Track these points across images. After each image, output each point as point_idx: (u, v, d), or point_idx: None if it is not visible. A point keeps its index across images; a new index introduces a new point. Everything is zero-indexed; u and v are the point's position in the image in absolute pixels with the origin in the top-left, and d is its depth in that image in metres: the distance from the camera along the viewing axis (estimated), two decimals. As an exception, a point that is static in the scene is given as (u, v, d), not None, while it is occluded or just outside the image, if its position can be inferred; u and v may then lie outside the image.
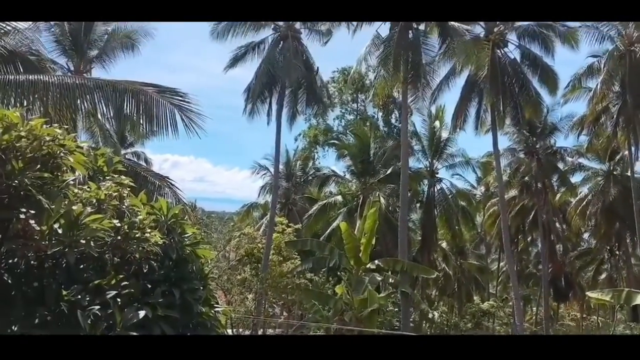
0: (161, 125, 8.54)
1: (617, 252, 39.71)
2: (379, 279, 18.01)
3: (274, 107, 25.57)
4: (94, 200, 4.56)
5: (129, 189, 5.04)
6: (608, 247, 40.18)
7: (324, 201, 30.54)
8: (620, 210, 34.16)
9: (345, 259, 18.31)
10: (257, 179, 37.60)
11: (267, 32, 25.79)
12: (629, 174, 31.15)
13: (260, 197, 38.00)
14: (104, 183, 4.92)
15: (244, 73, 25.71)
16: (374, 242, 18.29)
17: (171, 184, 9.84)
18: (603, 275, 42.42)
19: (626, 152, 31.24)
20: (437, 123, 33.31)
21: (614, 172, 35.97)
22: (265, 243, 21.80)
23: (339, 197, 30.43)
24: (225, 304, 19.43)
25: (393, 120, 38.24)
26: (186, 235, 5.24)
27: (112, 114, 8.89)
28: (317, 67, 26.38)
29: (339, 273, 19.49)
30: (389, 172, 29.72)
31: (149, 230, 4.75)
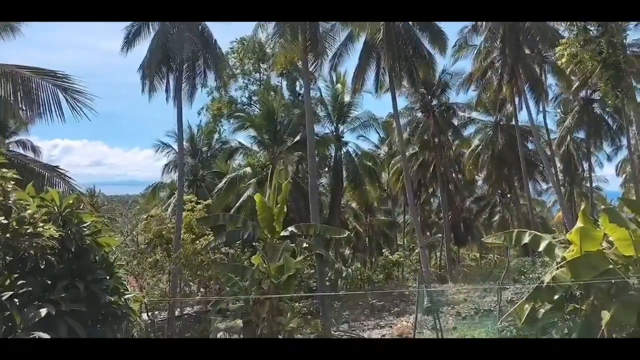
0: (44, 109, 7.88)
1: (507, 195, 43.56)
2: (293, 245, 18.30)
3: (172, 82, 24.44)
4: (-27, 199, 4.22)
5: (13, 182, 4.69)
6: (499, 192, 43.94)
7: (233, 174, 30.18)
8: (507, 157, 37.36)
9: (259, 230, 18.39)
10: (161, 158, 36.26)
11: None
12: (513, 123, 34.05)
13: (166, 176, 36.75)
14: (-18, 179, 4.55)
15: (138, 49, 24.06)
16: (285, 209, 18.50)
17: (61, 173, 9.19)
18: (496, 217, 46.56)
19: (510, 104, 34.07)
20: (339, 87, 33.88)
21: (501, 123, 38.99)
22: (175, 223, 21.24)
23: (248, 169, 30.17)
24: (138, 289, 18.86)
25: (297, 88, 38.21)
26: (84, 225, 5.02)
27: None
28: (215, 39, 25.45)
29: (254, 244, 19.55)
30: (296, 139, 29.91)
31: (41, 224, 4.50)
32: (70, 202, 4.97)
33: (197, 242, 20.00)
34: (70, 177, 9.22)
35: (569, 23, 16.21)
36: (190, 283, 21.69)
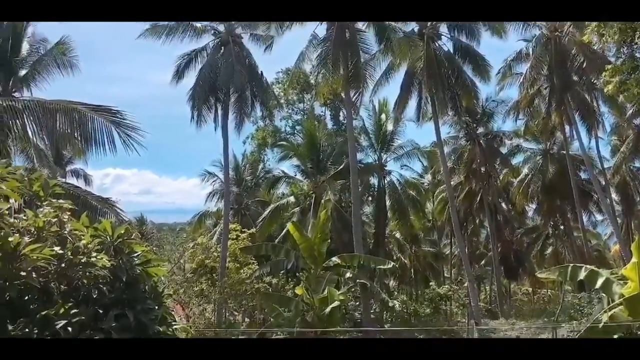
0: (98, 142, 8.27)
1: (561, 227, 41.74)
2: (336, 276, 18.12)
3: (220, 112, 25.28)
4: (32, 229, 4.38)
5: (69, 213, 4.86)
6: (552, 223, 42.18)
7: (277, 203, 30.45)
8: (559, 186, 35.94)
9: (302, 260, 18.35)
10: (207, 187, 37.10)
11: (207, 38, 25.51)
12: (564, 151, 32.91)
13: (211, 204, 37.47)
14: (41, 209, 4.72)
15: (184, 81, 25.16)
16: (329, 239, 18.42)
17: (113, 203, 9.54)
18: (549, 250, 44.59)
19: (560, 132, 33.02)
20: (382, 117, 33.92)
21: (551, 151, 37.79)
22: (220, 251, 21.49)
23: (292, 198, 30.41)
24: (184, 318, 19.07)
25: (341, 118, 38.58)
26: (135, 255, 5.11)
27: (44, 135, 8.52)
28: (261, 71, 26.26)
29: (297, 274, 19.49)
30: (339, 168, 29.99)
31: (94, 254, 4.60)
32: (122, 232, 5.09)
33: (242, 271, 20.13)
34: (120, 208, 9.55)
35: (616, 49, 15.63)
36: (235, 312, 21.76)
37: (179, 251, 25.54)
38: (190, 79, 25.09)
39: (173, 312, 6.00)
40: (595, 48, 19.49)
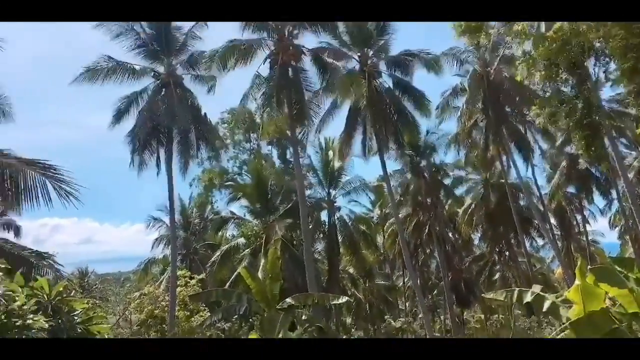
0: (31, 195, 7.89)
1: (506, 253, 43.15)
2: (290, 317, 17.72)
3: (163, 155, 24.73)
4: (-40, 294, 4.08)
5: (0, 272, 4.57)
6: (497, 249, 43.55)
7: (226, 245, 29.84)
8: (501, 214, 37.36)
9: (255, 303, 17.89)
10: (153, 233, 35.96)
11: (147, 80, 25.16)
12: (503, 180, 34.42)
13: (158, 250, 36.26)
14: (-31, 271, 4.43)
15: (125, 124, 24.53)
16: (281, 280, 18.11)
17: (50, 256, 9.05)
18: (497, 276, 45.85)
19: (498, 162, 34.59)
20: (330, 153, 34.38)
21: (491, 181, 39.40)
22: (168, 300, 20.67)
23: (242, 239, 29.90)
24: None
25: (288, 156, 38.78)
26: (75, 313, 4.85)
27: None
28: (205, 112, 26.06)
29: (251, 319, 18.95)
30: (289, 206, 29.91)
31: (30, 316, 4.33)
32: (60, 289, 4.84)
33: (192, 319, 19.38)
34: (58, 262, 9.06)
35: (543, 84, 16.72)
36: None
37: (125, 302, 24.34)
38: (131, 122, 24.57)
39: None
40: (525, 83, 20.80)
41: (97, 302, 21.65)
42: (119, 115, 24.38)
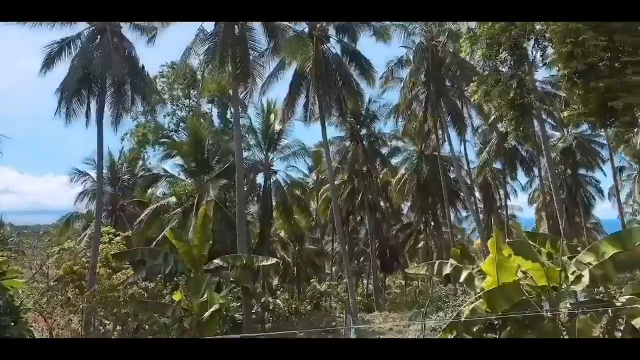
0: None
1: (431, 223, 44.93)
2: (217, 278, 17.54)
3: (94, 106, 23.13)
4: None
5: None
6: (424, 219, 45.24)
7: (156, 204, 28.80)
8: (431, 185, 38.65)
9: (182, 264, 17.53)
10: (77, 186, 34.02)
11: (82, 26, 23.16)
12: (436, 153, 35.43)
13: (82, 205, 34.40)
14: None
15: (56, 71, 22.61)
16: (211, 241, 17.78)
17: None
18: (421, 244, 47.84)
19: (434, 135, 35.49)
20: (270, 116, 33.65)
21: (426, 153, 40.45)
22: (90, 257, 19.75)
23: (173, 198, 28.92)
24: (47, 330, 17.23)
25: (228, 116, 37.50)
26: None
27: None
28: (143, 65, 24.44)
29: (175, 279, 18.58)
30: (225, 167, 29.16)
31: None
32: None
33: (114, 277, 18.70)
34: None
35: (484, 62, 17.00)
36: (106, 321, 20.15)
37: (42, 256, 23.06)
38: (63, 69, 22.67)
39: (33, 325, 5.34)
40: (467, 59, 21.12)
41: (13, 255, 20.40)
42: (50, 61, 22.42)
